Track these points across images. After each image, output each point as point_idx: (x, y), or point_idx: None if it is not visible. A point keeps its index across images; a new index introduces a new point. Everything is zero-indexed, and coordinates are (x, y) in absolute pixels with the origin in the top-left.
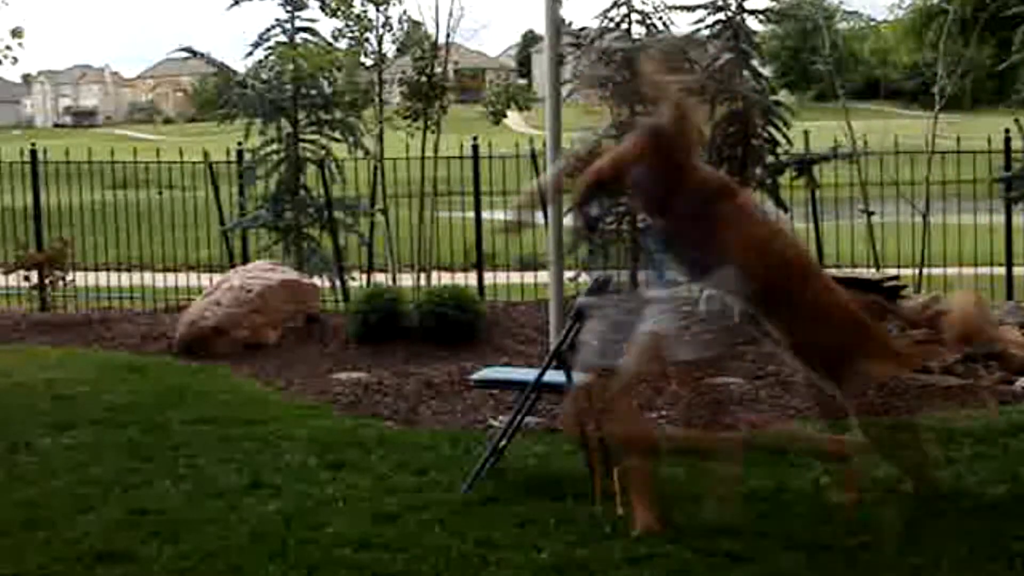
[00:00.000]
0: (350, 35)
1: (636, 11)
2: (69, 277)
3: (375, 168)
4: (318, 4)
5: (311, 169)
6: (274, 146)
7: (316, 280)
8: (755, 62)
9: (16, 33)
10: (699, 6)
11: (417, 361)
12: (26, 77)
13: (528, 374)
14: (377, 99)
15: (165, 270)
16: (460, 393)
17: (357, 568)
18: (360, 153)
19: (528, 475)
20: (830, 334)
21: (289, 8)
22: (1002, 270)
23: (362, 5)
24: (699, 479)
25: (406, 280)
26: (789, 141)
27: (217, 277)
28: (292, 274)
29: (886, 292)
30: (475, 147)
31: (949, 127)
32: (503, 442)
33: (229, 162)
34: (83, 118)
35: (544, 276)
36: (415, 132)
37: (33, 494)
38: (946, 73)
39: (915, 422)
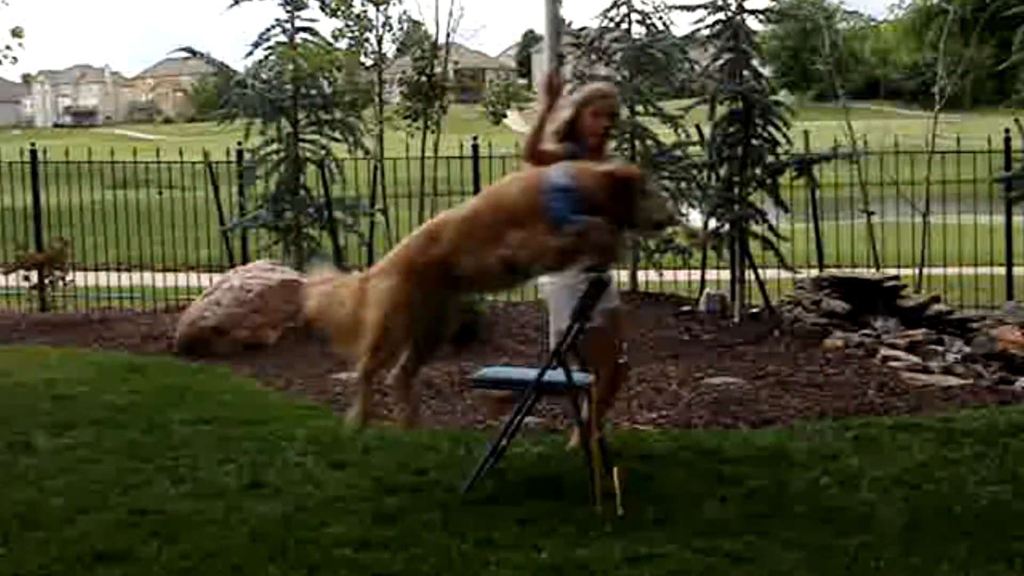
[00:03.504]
0: (350, 35)
1: (636, 11)
2: (69, 277)
3: (375, 168)
4: (318, 4)
5: (311, 169)
6: (274, 146)
7: None
8: (755, 62)
9: (16, 33)
10: (699, 6)
11: None
12: (26, 77)
13: (528, 374)
14: (377, 99)
15: (165, 270)
16: (460, 393)
17: (357, 568)
18: (360, 153)
19: (528, 475)
20: None
21: (289, 8)
22: (1002, 270)
23: (362, 5)
24: (699, 479)
25: None
26: (789, 141)
27: (217, 277)
28: (292, 274)
29: (886, 292)
30: (475, 147)
31: (949, 127)
32: (503, 442)
33: (229, 162)
34: (83, 118)
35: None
36: (415, 132)
37: (33, 494)
38: (946, 73)
39: None
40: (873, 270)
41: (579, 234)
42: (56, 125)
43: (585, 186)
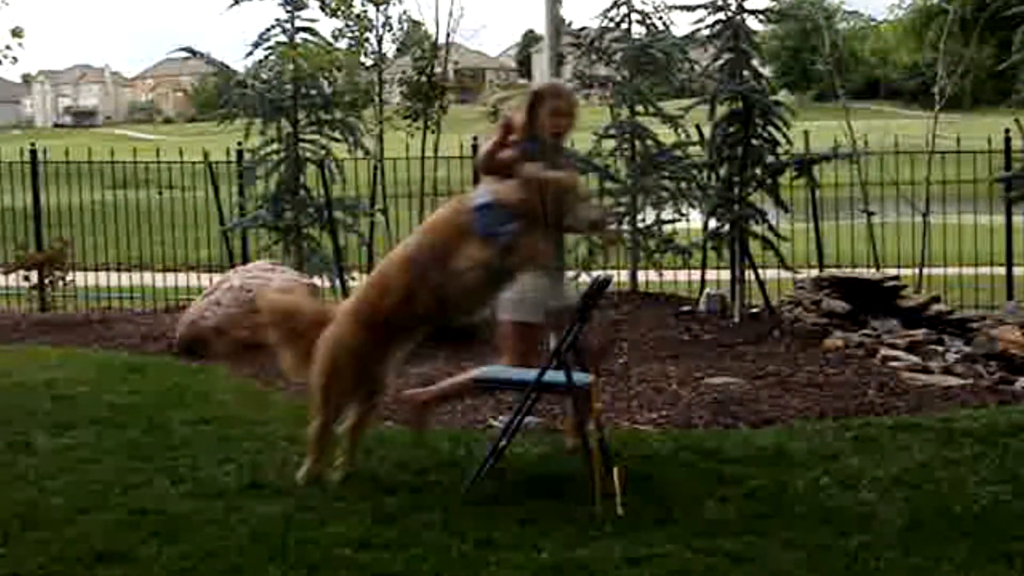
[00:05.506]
0: (350, 35)
1: (636, 11)
2: (69, 277)
3: (375, 168)
4: (318, 4)
5: (311, 169)
6: (274, 146)
7: (316, 280)
8: (755, 62)
9: (16, 33)
10: (699, 6)
11: (417, 361)
12: (26, 77)
13: (528, 374)
14: (377, 99)
15: (165, 270)
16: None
17: (357, 568)
18: (360, 153)
19: (528, 475)
20: None
21: (289, 8)
22: (1002, 270)
23: (362, 5)
24: (699, 479)
25: None
26: (789, 141)
27: (217, 277)
28: (292, 274)
29: (886, 292)
30: (475, 147)
31: (949, 127)
32: (503, 442)
33: (229, 162)
34: (83, 118)
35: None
36: (415, 132)
37: (33, 494)
38: (946, 73)
39: None
40: (873, 270)
41: (508, 244)
42: (56, 125)
43: (506, 199)
